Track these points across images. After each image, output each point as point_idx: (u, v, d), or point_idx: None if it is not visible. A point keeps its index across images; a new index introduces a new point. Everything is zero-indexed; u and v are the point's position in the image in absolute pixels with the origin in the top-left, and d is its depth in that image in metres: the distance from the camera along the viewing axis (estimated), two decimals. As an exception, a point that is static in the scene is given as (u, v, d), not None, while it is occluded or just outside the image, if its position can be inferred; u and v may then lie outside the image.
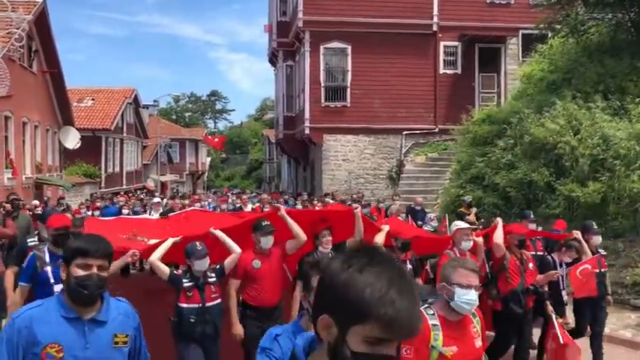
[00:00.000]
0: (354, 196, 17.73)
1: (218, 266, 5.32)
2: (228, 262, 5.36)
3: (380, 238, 6.01)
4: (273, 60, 28.74)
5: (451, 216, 12.63)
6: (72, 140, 24.64)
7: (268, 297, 5.56)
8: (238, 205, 14.97)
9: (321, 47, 21.55)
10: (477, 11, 21.67)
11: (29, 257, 5.03)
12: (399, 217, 11.08)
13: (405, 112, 21.64)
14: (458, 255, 5.96)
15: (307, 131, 21.71)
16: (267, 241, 5.51)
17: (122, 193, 23.60)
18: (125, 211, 14.18)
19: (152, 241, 5.65)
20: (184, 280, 5.10)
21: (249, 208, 13.98)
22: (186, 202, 15.54)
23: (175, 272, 5.25)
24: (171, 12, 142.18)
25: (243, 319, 5.56)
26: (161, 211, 12.63)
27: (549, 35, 17.04)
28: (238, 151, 72.69)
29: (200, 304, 5.08)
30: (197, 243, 5.10)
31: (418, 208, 13.85)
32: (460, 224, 6.36)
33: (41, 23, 20.44)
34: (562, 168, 12.04)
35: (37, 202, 12.92)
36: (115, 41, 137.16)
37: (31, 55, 20.59)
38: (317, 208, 13.42)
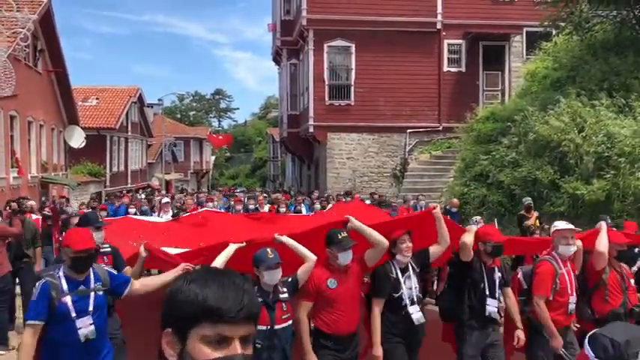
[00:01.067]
0: (376, 196, 16.76)
1: (290, 279, 4.43)
2: (303, 272, 4.51)
3: (469, 238, 5.04)
4: (277, 58, 28.77)
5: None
6: (77, 139, 24.73)
7: (346, 323, 4.67)
8: (252, 207, 13.46)
9: (325, 46, 21.56)
10: (481, 9, 21.63)
11: (40, 286, 3.89)
12: None
13: (409, 111, 21.64)
14: (559, 262, 5.12)
15: (311, 129, 21.73)
16: (346, 257, 4.58)
17: (125, 192, 23.33)
18: (132, 210, 13.22)
19: (168, 250, 4.88)
20: None
21: (265, 208, 13.10)
22: (190, 199, 14.51)
23: None
24: (175, 11, 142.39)
25: (316, 350, 4.65)
26: (171, 213, 11.70)
27: (553, 33, 17.02)
28: (242, 149, 72.78)
29: (268, 326, 4.17)
30: (268, 250, 4.24)
31: (454, 210, 12.71)
32: (560, 225, 5.29)
33: (46, 23, 20.52)
34: (566, 166, 12.03)
35: (33, 202, 12.17)
36: (120, 40, 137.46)
37: (36, 54, 20.68)
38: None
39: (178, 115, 74.30)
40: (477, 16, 21.56)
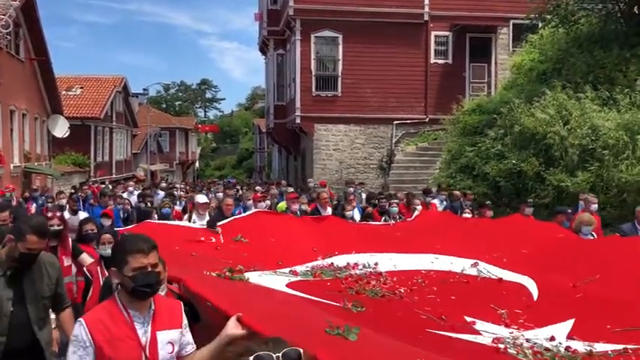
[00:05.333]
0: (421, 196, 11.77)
1: None
2: None
3: None
4: (263, 49, 28.59)
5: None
6: (61, 129, 24.43)
7: None
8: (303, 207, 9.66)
9: (312, 36, 21.45)
10: (468, 1, 21.64)
11: None
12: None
13: (395, 102, 21.65)
14: None
15: (298, 120, 21.66)
16: None
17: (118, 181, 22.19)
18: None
19: (256, 278, 3.20)
20: None
21: (329, 211, 9.27)
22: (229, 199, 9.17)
23: None
24: (161, 0, 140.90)
25: None
26: (207, 217, 8.41)
27: (540, 25, 17.08)
28: (229, 140, 72.50)
29: None
30: None
31: None
32: None
33: (28, 9, 20.18)
34: (551, 158, 12.11)
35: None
36: (105, 29, 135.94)
37: (17, 42, 20.35)
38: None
39: (164, 105, 73.75)
40: (463, 7, 21.57)
